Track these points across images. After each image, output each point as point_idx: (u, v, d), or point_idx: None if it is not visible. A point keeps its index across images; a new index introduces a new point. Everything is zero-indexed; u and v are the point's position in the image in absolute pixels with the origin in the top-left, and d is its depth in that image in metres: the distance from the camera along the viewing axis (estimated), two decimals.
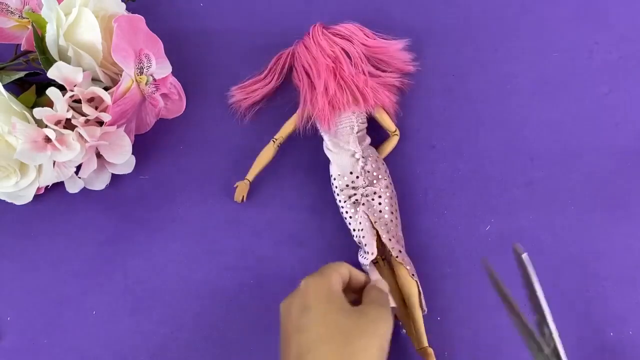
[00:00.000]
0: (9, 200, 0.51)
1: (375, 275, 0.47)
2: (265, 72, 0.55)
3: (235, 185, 0.52)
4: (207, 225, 0.53)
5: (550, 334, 0.39)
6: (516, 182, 0.53)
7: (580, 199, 0.52)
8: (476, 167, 0.54)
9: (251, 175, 0.52)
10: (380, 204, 0.49)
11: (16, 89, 0.54)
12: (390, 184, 0.51)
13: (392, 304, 0.44)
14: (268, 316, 0.49)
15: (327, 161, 0.51)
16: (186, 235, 0.53)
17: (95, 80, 0.50)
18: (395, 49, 0.54)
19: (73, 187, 0.52)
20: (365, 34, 0.54)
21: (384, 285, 0.45)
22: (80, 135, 0.47)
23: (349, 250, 0.51)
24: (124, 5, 0.53)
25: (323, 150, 0.52)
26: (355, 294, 0.45)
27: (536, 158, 0.54)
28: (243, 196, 0.52)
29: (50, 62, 0.48)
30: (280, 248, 0.52)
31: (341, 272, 0.43)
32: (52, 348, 0.50)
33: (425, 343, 0.46)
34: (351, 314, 0.39)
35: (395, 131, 0.53)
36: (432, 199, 0.53)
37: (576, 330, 0.48)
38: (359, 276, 0.45)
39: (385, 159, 0.53)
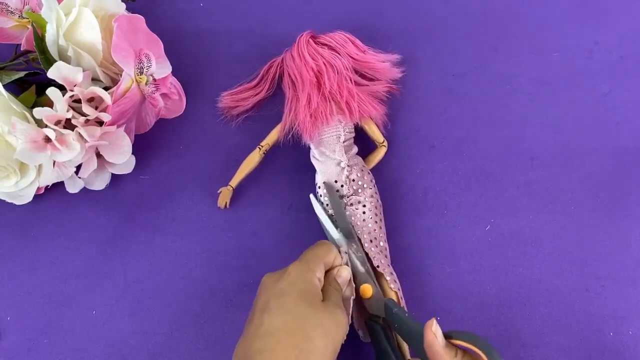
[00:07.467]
0: (9, 200, 0.51)
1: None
2: (257, 80, 0.55)
3: (218, 192, 0.52)
4: (207, 225, 0.53)
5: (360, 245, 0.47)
6: (516, 182, 0.53)
7: (580, 199, 0.52)
8: (476, 167, 0.53)
9: (235, 181, 0.52)
10: (364, 212, 0.49)
11: (16, 89, 0.54)
12: (376, 193, 0.50)
13: (352, 295, 0.45)
14: None
15: None
16: (186, 235, 0.53)
17: (95, 80, 0.50)
18: (383, 66, 0.54)
19: (73, 187, 0.52)
20: (355, 45, 0.53)
21: (346, 272, 0.45)
22: (80, 135, 0.47)
23: None
24: (124, 5, 0.53)
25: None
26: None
27: (536, 158, 0.54)
28: (226, 202, 0.52)
29: (50, 62, 0.48)
30: (280, 248, 0.52)
31: (327, 260, 0.44)
32: (52, 348, 0.50)
33: (408, 355, 0.46)
34: (319, 310, 0.40)
35: (383, 142, 0.53)
36: (432, 199, 0.53)
37: (576, 330, 0.48)
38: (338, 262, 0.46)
39: (384, 160, 0.53)
